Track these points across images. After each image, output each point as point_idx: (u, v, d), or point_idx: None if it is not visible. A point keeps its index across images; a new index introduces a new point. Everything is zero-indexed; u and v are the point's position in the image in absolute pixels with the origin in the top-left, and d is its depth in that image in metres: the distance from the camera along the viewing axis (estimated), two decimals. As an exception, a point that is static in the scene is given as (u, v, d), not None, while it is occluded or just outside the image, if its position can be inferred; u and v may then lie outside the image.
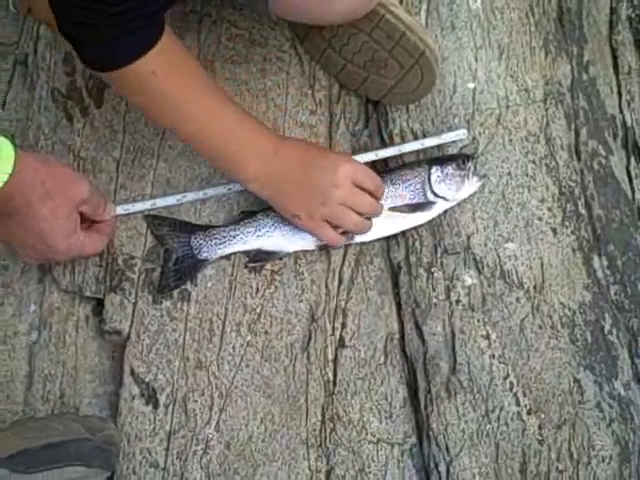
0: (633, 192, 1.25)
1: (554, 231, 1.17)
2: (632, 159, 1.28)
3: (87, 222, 1.03)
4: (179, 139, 1.10)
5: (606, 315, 1.14)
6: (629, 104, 1.32)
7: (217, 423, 1.04)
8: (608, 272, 1.18)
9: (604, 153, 1.26)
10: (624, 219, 1.22)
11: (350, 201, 1.04)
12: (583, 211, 1.20)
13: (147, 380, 1.04)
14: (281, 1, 1.05)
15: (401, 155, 1.16)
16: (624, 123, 1.30)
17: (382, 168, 1.16)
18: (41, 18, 1.17)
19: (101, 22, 0.86)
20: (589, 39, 1.33)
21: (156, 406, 1.03)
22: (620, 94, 1.32)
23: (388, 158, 1.16)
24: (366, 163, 1.12)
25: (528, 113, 1.23)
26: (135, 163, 1.14)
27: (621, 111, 1.31)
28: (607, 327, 1.13)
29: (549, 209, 1.18)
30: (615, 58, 1.35)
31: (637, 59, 1.36)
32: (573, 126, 1.26)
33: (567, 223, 1.18)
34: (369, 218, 1.08)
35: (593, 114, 1.28)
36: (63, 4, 0.87)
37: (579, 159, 1.24)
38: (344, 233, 1.07)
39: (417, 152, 1.17)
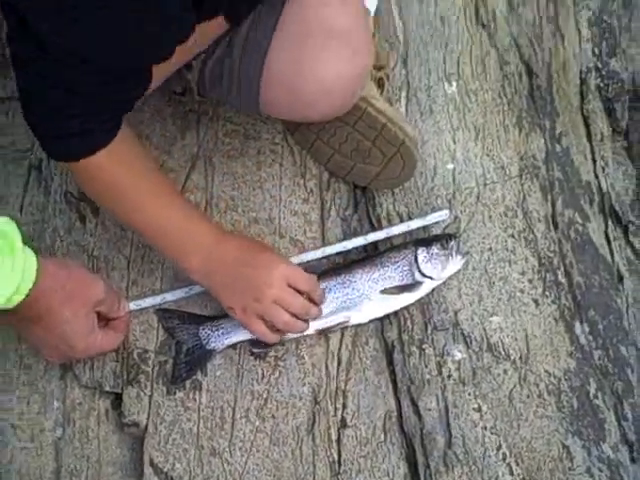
0: (612, 255, 1.33)
1: (536, 302, 1.25)
2: (610, 223, 1.36)
3: (103, 320, 1.11)
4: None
5: (591, 380, 1.21)
6: (603, 169, 1.41)
7: (232, 507, 1.13)
8: (590, 337, 1.25)
9: (581, 221, 1.34)
10: (603, 283, 1.30)
11: (283, 301, 1.10)
12: (563, 280, 1.28)
13: (165, 470, 1.11)
14: (269, 105, 1.14)
15: (389, 238, 1.25)
16: (600, 188, 1.38)
17: (372, 252, 1.25)
18: None
19: (58, 122, 0.96)
20: (560, 112, 1.43)
21: None
22: (594, 160, 1.41)
23: (378, 241, 1.25)
24: (356, 249, 1.22)
25: (505, 189, 1.32)
26: (144, 259, 1.22)
27: (596, 177, 1.40)
28: (592, 392, 1.20)
29: (530, 281, 1.26)
30: (588, 126, 1.44)
31: (608, 126, 1.46)
32: (549, 197, 1.34)
33: (548, 293, 1.26)
34: (306, 319, 1.14)
35: (568, 183, 1.37)
36: (27, 99, 0.96)
37: (556, 229, 1.32)
38: (277, 330, 1.13)
39: (404, 234, 1.25)
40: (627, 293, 1.31)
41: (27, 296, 0.95)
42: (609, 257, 1.33)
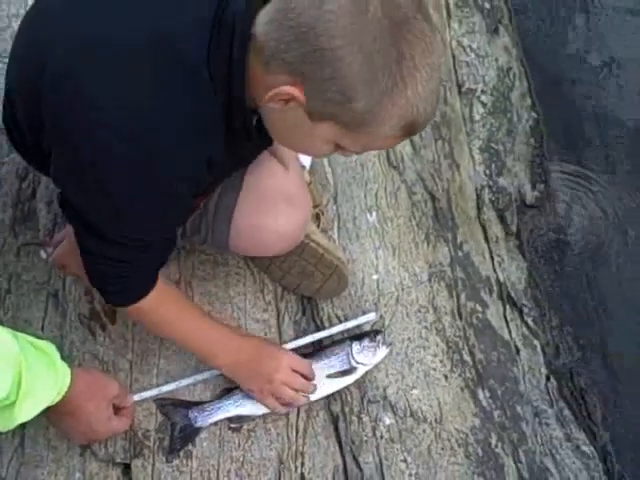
0: (510, 333, 1.67)
1: (446, 377, 1.59)
2: (507, 307, 1.71)
3: (115, 409, 1.44)
4: (171, 340, 1.51)
5: (492, 433, 1.54)
6: (500, 264, 1.76)
7: None
8: (491, 401, 1.58)
9: (481, 309, 1.68)
10: (501, 357, 1.64)
11: (288, 382, 1.44)
12: (467, 358, 1.62)
13: (168, 521, 1.43)
14: (236, 247, 1.48)
15: (330, 336, 1.59)
16: (498, 280, 1.73)
17: (318, 346, 1.58)
18: (73, 274, 1.54)
19: (111, 283, 1.29)
20: (460, 225, 1.78)
21: None
22: (492, 258, 1.76)
23: (322, 339, 1.59)
24: (306, 344, 1.56)
25: (418, 292, 1.67)
26: (143, 362, 1.53)
27: (495, 271, 1.74)
28: (494, 442, 1.53)
29: (440, 361, 1.60)
30: (485, 232, 1.79)
31: (502, 230, 1.81)
32: (454, 293, 1.68)
33: (455, 369, 1.60)
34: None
35: (470, 280, 1.71)
36: (87, 268, 1.28)
37: (461, 318, 1.67)
38: (286, 403, 1.45)
39: (342, 332, 1.59)
40: (523, 363, 1.64)
41: (64, 397, 1.27)
42: (507, 335, 1.66)
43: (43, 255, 1.60)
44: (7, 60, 1.28)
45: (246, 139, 1.19)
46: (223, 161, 1.17)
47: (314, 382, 1.49)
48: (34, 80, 1.13)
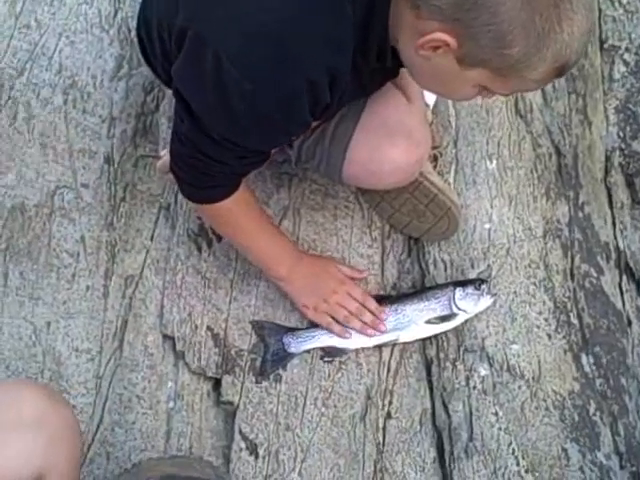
0: (623, 304, 1.58)
1: (549, 336, 1.53)
2: (624, 277, 1.62)
3: None
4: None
5: (591, 401, 1.48)
6: (622, 232, 1.66)
7: (299, 470, 1.42)
8: (594, 368, 1.51)
9: (595, 274, 1.60)
10: (611, 326, 1.56)
11: (344, 303, 1.47)
12: (574, 321, 1.55)
13: (250, 438, 1.43)
14: (348, 177, 1.46)
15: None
16: (617, 248, 1.63)
17: (420, 288, 1.56)
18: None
19: (201, 177, 1.28)
20: (584, 185, 1.69)
21: (257, 457, 1.42)
22: (614, 225, 1.67)
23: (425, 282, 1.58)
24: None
25: (530, 246, 1.61)
26: (244, 282, 1.55)
27: (615, 238, 1.65)
28: (592, 410, 1.47)
29: (545, 319, 1.54)
30: (610, 196, 1.69)
31: (628, 196, 1.71)
32: (569, 254, 1.61)
33: (560, 330, 1.54)
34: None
35: (587, 243, 1.63)
36: (180, 159, 1.27)
37: (573, 280, 1.59)
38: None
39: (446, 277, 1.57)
40: (634, 336, 1.56)
41: None
42: (620, 305, 1.58)
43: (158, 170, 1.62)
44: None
45: (377, 60, 1.17)
46: (346, 81, 1.15)
47: (404, 322, 1.50)
48: None
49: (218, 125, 1.17)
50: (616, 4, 1.96)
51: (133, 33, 1.62)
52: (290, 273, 1.47)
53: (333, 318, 1.48)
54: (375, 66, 1.20)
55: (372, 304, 1.50)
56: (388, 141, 1.40)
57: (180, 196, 1.59)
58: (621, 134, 1.78)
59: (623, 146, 1.76)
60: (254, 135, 1.19)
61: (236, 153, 1.22)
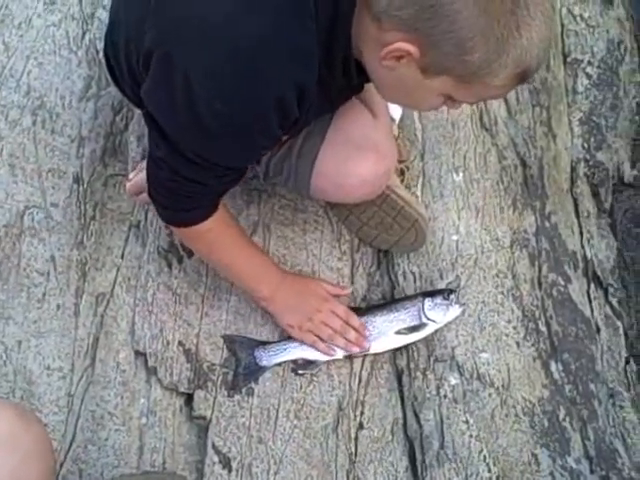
0: (592, 311, 1.60)
1: (518, 344, 1.54)
2: (592, 285, 1.64)
3: None
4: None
5: (561, 407, 1.49)
6: (589, 241, 1.69)
7: (273, 483, 1.44)
8: (563, 374, 1.53)
9: (563, 282, 1.62)
10: (579, 333, 1.58)
11: (328, 322, 1.48)
12: (543, 328, 1.57)
13: (224, 452, 1.43)
14: (316, 192, 1.48)
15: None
16: (584, 256, 1.65)
17: (390, 300, 1.57)
18: (146, 202, 1.50)
19: (178, 200, 1.28)
20: (550, 195, 1.71)
21: (230, 470, 1.42)
22: (581, 233, 1.69)
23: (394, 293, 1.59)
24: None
25: (498, 256, 1.63)
26: (215, 297, 1.55)
27: (582, 247, 1.67)
28: (561, 416, 1.49)
29: (514, 328, 1.56)
30: (576, 206, 1.72)
31: (594, 205, 1.73)
32: (536, 263, 1.62)
33: (528, 338, 1.55)
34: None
35: (554, 252, 1.64)
36: (157, 184, 1.28)
37: (540, 288, 1.61)
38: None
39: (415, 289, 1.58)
40: (603, 342, 1.58)
41: None
42: (588, 312, 1.59)
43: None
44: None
45: (343, 74, 1.19)
46: (314, 93, 1.16)
47: (374, 333, 1.51)
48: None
49: (193, 144, 1.18)
50: (578, 19, 2.00)
51: (101, 54, 1.62)
52: (273, 292, 1.47)
53: (317, 336, 1.49)
54: (342, 82, 1.21)
55: (355, 321, 1.51)
56: (355, 155, 1.42)
57: (150, 214, 1.61)
58: (585, 145, 1.81)
59: (588, 157, 1.79)
60: (229, 152, 1.20)
61: (214, 172, 1.23)
